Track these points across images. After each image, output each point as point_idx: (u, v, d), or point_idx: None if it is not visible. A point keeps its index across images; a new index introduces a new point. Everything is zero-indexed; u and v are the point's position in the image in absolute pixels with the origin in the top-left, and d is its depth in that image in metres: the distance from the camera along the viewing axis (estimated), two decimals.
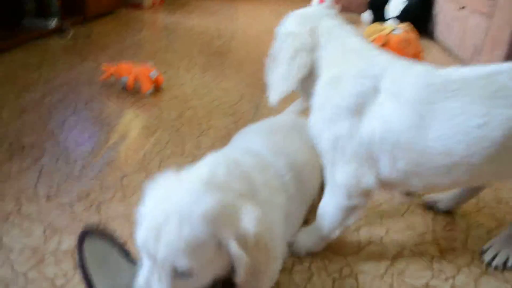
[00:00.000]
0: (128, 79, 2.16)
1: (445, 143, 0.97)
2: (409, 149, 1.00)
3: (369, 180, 1.05)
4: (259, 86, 2.46)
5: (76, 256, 0.88)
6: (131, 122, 1.91)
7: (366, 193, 1.08)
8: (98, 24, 3.52)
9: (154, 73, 2.21)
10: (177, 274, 0.80)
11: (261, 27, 3.98)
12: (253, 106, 2.17)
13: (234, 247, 0.80)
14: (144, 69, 2.20)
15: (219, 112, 2.08)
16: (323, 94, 1.10)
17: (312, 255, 1.22)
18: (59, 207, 1.31)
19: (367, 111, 1.02)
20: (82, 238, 0.90)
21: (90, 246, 0.90)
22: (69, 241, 1.18)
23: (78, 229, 1.19)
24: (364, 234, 1.33)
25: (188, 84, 2.40)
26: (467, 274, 1.21)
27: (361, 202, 1.10)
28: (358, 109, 1.02)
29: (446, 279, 1.18)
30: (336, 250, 1.25)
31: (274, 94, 1.16)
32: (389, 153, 1.01)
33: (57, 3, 3.02)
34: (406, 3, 3.95)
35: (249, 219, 0.83)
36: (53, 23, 3.01)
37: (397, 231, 1.36)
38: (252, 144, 1.27)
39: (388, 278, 1.17)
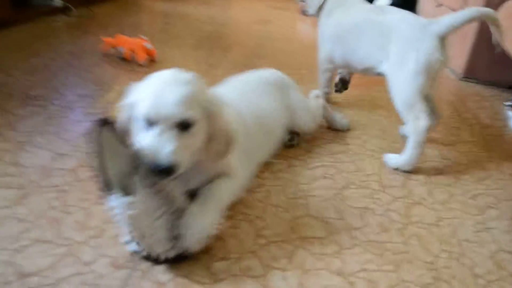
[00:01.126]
0: (125, 49, 2.40)
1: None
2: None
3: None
4: (243, 64, 2.71)
5: (92, 144, 0.98)
6: (126, 84, 2.15)
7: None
8: (100, 7, 3.76)
9: (149, 45, 2.45)
10: (180, 130, 1.02)
11: (253, 18, 4.22)
12: None
13: (214, 102, 1.10)
14: (140, 41, 2.44)
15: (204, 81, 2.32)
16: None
17: (272, 180, 1.47)
18: (64, 140, 1.56)
19: None
20: (99, 126, 0.98)
21: (102, 135, 1.00)
22: (71, 163, 1.42)
23: (80, 155, 1.45)
24: (318, 172, 1.59)
25: (179, 58, 2.65)
26: (401, 203, 1.46)
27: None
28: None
29: (382, 205, 1.44)
30: (292, 179, 1.50)
31: (311, 7, 2.09)
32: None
33: None
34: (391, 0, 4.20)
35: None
36: (59, 2, 3.25)
37: (347, 172, 1.61)
38: (224, 89, 1.52)
39: (333, 201, 1.42)
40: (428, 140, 1.69)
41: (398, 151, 1.72)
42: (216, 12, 4.21)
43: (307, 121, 1.74)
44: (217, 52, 2.89)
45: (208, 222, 1.07)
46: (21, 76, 2.07)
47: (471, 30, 2.85)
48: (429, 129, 1.61)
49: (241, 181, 1.31)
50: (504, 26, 1.62)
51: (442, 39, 1.59)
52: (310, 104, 1.79)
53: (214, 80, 2.37)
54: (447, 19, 1.58)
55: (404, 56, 1.62)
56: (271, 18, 4.29)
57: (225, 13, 4.29)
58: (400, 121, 1.75)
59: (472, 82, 2.96)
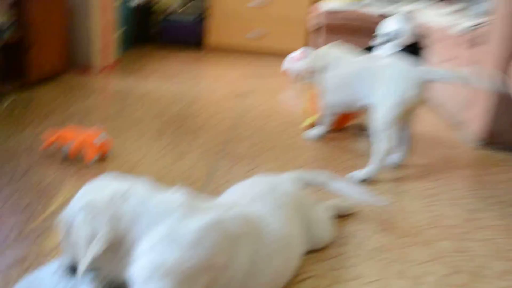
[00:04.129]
0: (71, 146, 2.46)
1: None
2: None
3: None
4: (217, 151, 2.79)
5: None
6: (72, 191, 2.18)
7: None
8: (41, 89, 3.89)
9: (100, 138, 2.52)
10: None
11: (227, 90, 4.38)
12: (208, 171, 2.48)
13: None
14: (90, 135, 2.51)
15: (169, 177, 2.38)
16: None
17: None
18: None
19: None
20: None
21: None
22: None
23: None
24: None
25: (137, 151, 2.72)
26: None
27: None
28: None
29: None
30: None
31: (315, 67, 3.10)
32: None
33: None
34: None
35: None
36: None
37: (346, 281, 1.63)
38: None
39: None
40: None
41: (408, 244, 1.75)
42: (183, 88, 4.37)
43: (325, 237, 1.84)
44: (186, 138, 2.98)
45: None
46: None
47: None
48: (390, 152, 2.50)
49: None
50: None
51: (422, 83, 2.43)
52: (324, 216, 1.88)
53: (183, 174, 2.42)
54: (434, 72, 2.49)
55: (388, 91, 2.46)
56: (247, 90, 4.46)
57: (193, 88, 4.44)
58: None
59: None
